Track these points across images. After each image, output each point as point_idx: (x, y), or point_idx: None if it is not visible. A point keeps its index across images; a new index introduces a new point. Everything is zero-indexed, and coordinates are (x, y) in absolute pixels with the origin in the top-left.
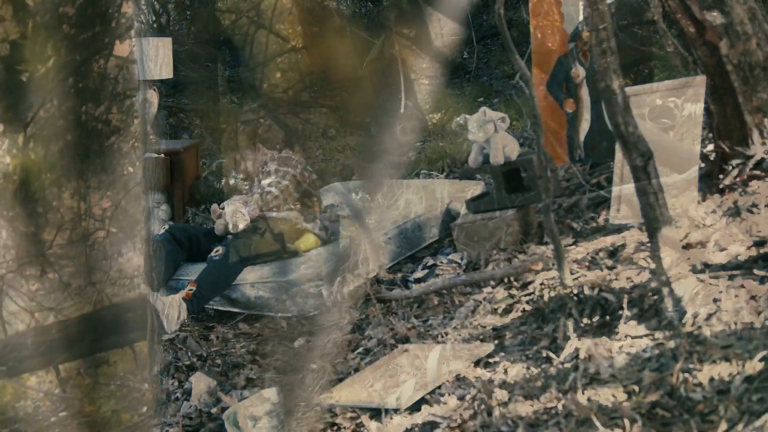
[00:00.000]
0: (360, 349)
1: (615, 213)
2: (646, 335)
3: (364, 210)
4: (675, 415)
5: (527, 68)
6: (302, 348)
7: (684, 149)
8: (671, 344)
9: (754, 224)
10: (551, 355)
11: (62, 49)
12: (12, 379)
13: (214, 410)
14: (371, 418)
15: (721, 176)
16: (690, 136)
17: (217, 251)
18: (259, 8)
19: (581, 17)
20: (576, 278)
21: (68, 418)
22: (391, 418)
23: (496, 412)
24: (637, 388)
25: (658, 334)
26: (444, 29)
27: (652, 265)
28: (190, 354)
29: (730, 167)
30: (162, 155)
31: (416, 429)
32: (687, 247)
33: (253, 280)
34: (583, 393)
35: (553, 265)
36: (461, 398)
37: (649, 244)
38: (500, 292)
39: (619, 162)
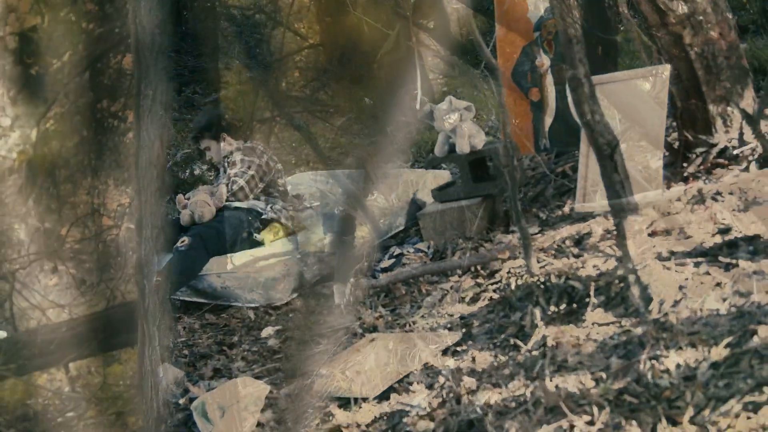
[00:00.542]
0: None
1: (580, 202)
2: (612, 322)
3: (362, 196)
4: (642, 401)
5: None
6: (312, 352)
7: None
8: (638, 331)
9: (718, 212)
10: (519, 343)
11: (80, 44)
12: (22, 377)
13: (181, 401)
14: (339, 407)
15: (685, 164)
16: (654, 124)
17: (182, 242)
18: (276, 4)
19: (546, 6)
20: (543, 266)
21: (74, 419)
22: (360, 407)
23: (465, 400)
24: (604, 375)
25: (625, 322)
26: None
27: (619, 253)
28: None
29: (694, 155)
30: None
31: (385, 417)
32: (652, 234)
33: (219, 271)
34: (551, 380)
35: (520, 253)
36: (430, 387)
37: (614, 232)
38: (467, 281)
39: (584, 150)
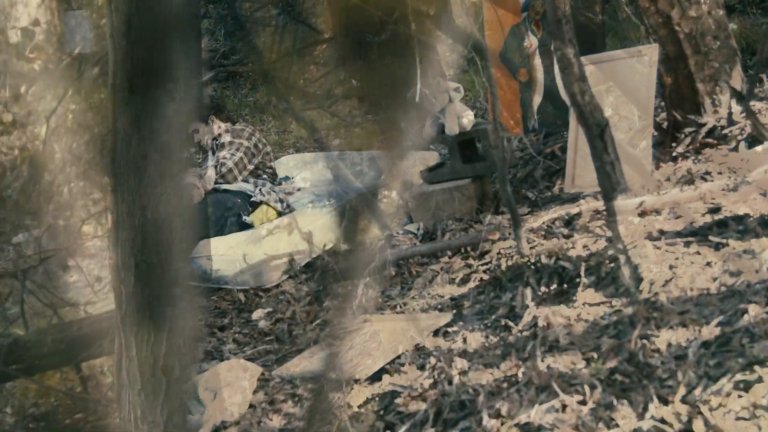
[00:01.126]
0: (318, 320)
1: (569, 182)
2: (603, 302)
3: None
4: (633, 380)
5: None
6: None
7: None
8: (629, 311)
9: (708, 191)
10: (510, 323)
11: (92, 39)
12: (32, 376)
13: None
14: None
15: (674, 144)
16: (643, 104)
17: None
18: None
19: None
20: (533, 247)
21: (81, 421)
22: (352, 389)
23: (457, 381)
24: (595, 355)
25: (616, 301)
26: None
27: (608, 233)
28: None
29: (683, 135)
30: None
31: (377, 398)
32: (642, 214)
33: (209, 253)
34: (542, 360)
35: (510, 234)
36: (421, 368)
37: (604, 212)
38: (457, 262)
39: (573, 131)
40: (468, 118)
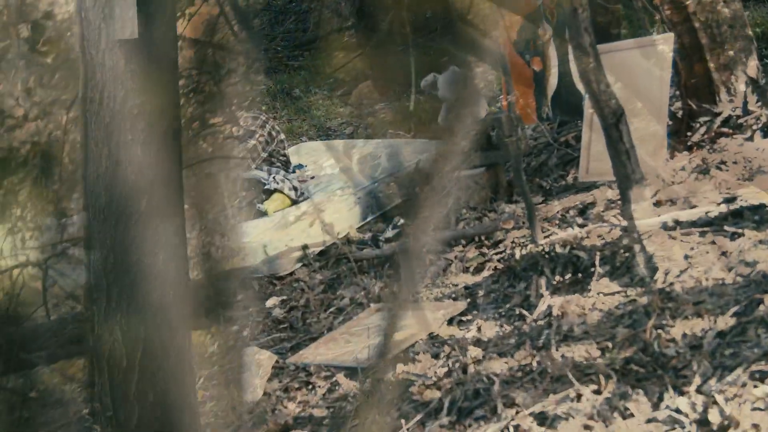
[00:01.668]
0: (332, 309)
1: (584, 171)
2: (618, 292)
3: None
4: (649, 370)
5: None
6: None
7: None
8: (643, 301)
9: (723, 181)
10: (524, 312)
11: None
12: (52, 365)
13: None
14: (346, 376)
15: (689, 134)
16: (658, 93)
17: None
18: None
19: None
20: (547, 236)
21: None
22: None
23: (471, 370)
24: (610, 345)
25: (631, 291)
26: None
27: (623, 223)
28: None
29: (698, 125)
30: None
31: (391, 387)
32: (657, 204)
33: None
34: (557, 350)
35: (524, 223)
36: (435, 356)
37: (619, 202)
38: (471, 251)
39: (588, 119)
40: (482, 107)
